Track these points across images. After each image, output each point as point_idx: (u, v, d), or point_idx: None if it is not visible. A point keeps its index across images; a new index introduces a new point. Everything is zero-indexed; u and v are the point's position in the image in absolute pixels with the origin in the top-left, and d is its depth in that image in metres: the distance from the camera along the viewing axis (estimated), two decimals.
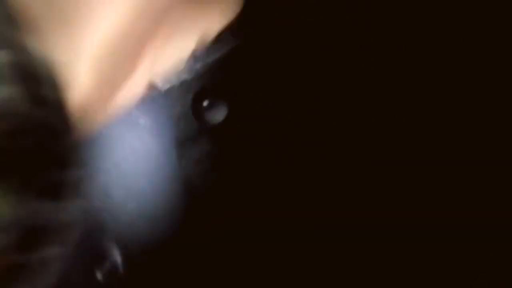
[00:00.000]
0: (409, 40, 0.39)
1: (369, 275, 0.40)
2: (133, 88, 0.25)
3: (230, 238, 0.42)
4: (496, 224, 0.38)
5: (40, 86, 0.18)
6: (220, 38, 0.42)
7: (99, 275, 0.35)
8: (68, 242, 0.20)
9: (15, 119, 0.17)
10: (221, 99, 0.43)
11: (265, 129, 0.42)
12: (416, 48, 0.39)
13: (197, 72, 0.42)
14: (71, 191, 0.20)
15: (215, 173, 0.42)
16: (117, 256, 0.35)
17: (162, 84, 0.41)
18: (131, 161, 0.37)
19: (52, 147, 0.18)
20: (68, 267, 0.20)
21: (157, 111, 0.42)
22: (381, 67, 0.40)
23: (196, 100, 0.43)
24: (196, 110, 0.43)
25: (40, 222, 0.19)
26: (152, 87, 0.40)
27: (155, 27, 0.25)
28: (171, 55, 0.30)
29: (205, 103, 0.43)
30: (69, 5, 0.22)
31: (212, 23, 0.31)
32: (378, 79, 0.39)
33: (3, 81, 0.17)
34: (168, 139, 0.43)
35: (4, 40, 0.18)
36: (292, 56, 0.41)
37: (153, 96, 0.41)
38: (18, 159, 0.17)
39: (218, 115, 0.43)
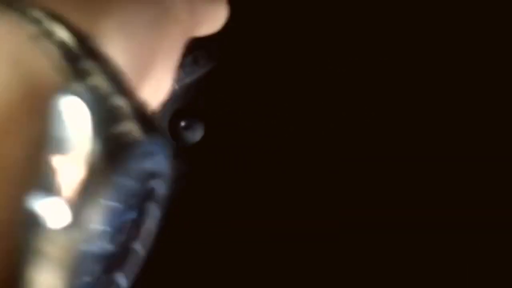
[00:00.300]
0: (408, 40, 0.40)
1: (368, 275, 0.41)
2: None
3: (206, 257, 0.42)
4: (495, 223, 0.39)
5: (149, 121, 0.22)
6: (196, 60, 0.44)
7: None
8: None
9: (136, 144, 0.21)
10: (197, 119, 0.44)
11: (241, 147, 0.43)
12: (415, 48, 0.41)
13: (174, 93, 0.44)
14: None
15: (191, 191, 0.43)
16: None
17: None
18: None
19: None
20: None
21: None
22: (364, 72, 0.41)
23: (173, 120, 0.44)
24: (173, 130, 0.44)
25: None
26: None
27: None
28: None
29: (182, 123, 0.44)
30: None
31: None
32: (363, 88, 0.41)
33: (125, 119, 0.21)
34: None
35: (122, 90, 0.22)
36: (267, 76, 0.43)
37: None
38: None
39: (195, 134, 0.44)
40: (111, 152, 0.21)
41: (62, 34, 0.22)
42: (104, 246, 0.22)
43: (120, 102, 0.22)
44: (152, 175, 0.23)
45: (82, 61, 0.22)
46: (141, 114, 0.22)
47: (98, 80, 0.22)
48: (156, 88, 0.32)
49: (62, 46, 0.22)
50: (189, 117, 0.44)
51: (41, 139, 0.20)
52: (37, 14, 0.23)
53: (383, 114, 0.41)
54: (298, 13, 0.42)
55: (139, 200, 0.23)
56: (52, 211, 0.20)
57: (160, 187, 0.23)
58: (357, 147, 0.41)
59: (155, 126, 0.23)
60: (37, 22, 0.22)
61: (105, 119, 0.21)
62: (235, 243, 0.43)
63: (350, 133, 0.41)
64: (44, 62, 0.22)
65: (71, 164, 0.20)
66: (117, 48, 0.26)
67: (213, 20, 0.35)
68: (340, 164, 0.41)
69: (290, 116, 0.42)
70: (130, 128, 0.21)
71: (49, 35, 0.22)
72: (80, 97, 0.21)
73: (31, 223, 0.20)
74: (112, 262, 0.23)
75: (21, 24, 0.22)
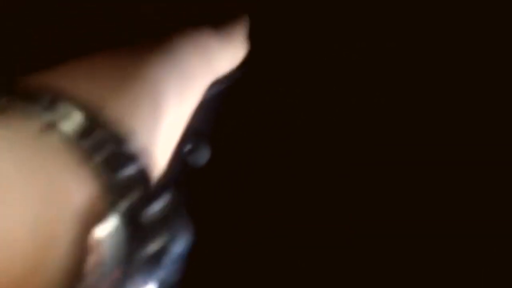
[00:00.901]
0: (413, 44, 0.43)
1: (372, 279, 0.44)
2: None
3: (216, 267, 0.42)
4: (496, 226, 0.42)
5: (179, 222, 0.26)
6: None
7: None
8: None
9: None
10: (203, 142, 0.42)
11: (247, 172, 0.44)
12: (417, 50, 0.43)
13: None
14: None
15: (195, 215, 0.42)
16: None
17: None
18: None
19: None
20: None
21: None
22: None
23: (179, 144, 0.41)
24: (178, 154, 0.42)
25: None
26: None
27: None
28: None
29: (187, 147, 0.42)
30: None
31: None
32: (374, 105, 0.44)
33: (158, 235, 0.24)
34: None
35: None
36: (273, 99, 0.44)
37: None
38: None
39: (201, 158, 0.42)
40: (145, 265, 0.24)
41: (104, 150, 0.24)
42: None
43: (153, 215, 0.24)
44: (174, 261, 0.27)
45: (121, 182, 0.24)
46: (172, 219, 0.25)
47: (135, 198, 0.24)
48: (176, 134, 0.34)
49: (104, 171, 0.24)
50: (194, 140, 0.42)
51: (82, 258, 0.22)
52: (78, 118, 0.24)
53: (396, 118, 0.43)
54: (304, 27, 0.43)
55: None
56: None
57: (179, 267, 0.26)
58: (372, 158, 0.44)
59: (184, 224, 0.27)
60: (84, 137, 0.24)
61: (140, 239, 0.24)
62: (245, 254, 0.44)
63: (364, 146, 0.44)
64: (87, 192, 0.23)
65: (107, 276, 0.23)
66: (147, 129, 0.28)
67: (233, 61, 0.37)
68: (353, 174, 0.44)
69: (299, 139, 0.44)
70: (163, 243, 0.24)
71: (95, 152, 0.24)
72: (119, 221, 0.23)
73: None
74: None
75: (69, 148, 0.23)
